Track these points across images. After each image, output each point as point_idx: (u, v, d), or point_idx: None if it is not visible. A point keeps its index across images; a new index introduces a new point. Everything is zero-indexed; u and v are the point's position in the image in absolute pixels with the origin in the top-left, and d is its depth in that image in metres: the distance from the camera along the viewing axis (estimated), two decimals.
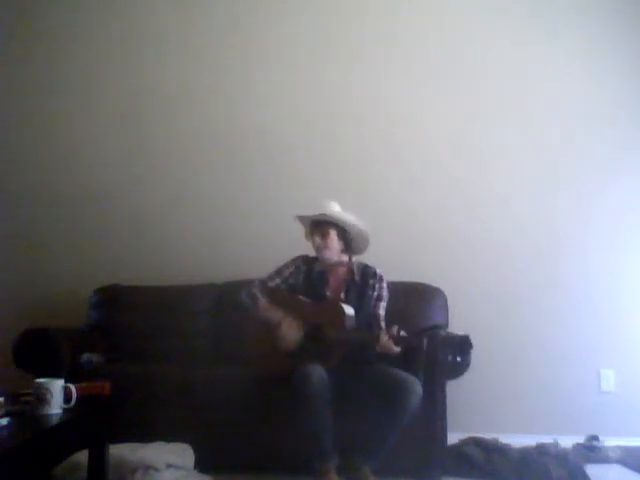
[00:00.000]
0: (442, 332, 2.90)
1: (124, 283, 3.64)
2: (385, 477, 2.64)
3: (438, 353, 2.75)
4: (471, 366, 2.87)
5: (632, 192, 3.67)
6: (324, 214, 2.89)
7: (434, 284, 3.41)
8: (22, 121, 3.97)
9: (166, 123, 3.91)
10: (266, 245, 3.68)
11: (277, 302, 2.88)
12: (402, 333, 2.60)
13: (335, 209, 2.93)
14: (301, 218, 2.98)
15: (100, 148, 3.92)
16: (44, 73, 3.98)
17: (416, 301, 3.32)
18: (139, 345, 3.39)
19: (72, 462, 2.39)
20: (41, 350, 3.00)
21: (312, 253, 2.98)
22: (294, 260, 3.00)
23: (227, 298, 3.50)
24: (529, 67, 3.76)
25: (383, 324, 2.87)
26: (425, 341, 2.57)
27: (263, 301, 2.88)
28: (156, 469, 2.48)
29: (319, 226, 2.90)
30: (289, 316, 2.82)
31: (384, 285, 2.94)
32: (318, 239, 2.89)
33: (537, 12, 3.78)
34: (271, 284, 2.94)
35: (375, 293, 2.93)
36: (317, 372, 2.57)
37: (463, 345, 2.50)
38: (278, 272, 2.97)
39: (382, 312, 2.91)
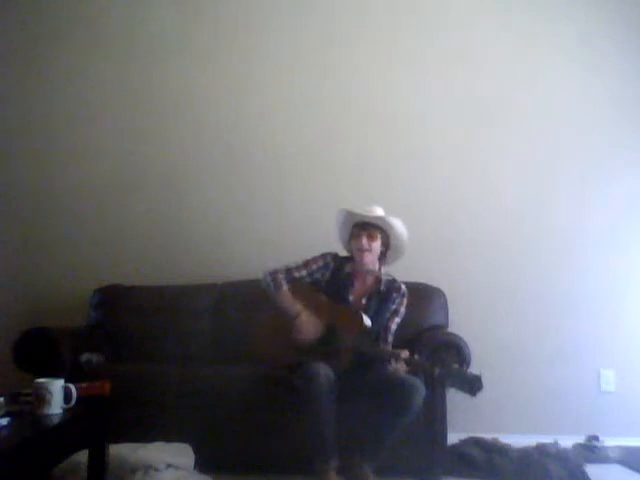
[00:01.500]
0: (455, 366, 2.66)
1: (124, 283, 3.64)
2: (385, 477, 2.65)
3: (447, 385, 2.69)
4: (471, 366, 2.88)
5: (632, 192, 3.67)
6: (382, 217, 2.85)
7: (434, 284, 3.41)
8: (22, 121, 3.97)
9: (166, 123, 3.90)
10: (266, 245, 3.68)
11: (299, 293, 2.86)
12: (416, 357, 2.61)
13: (381, 211, 2.90)
14: (349, 214, 2.91)
15: (100, 148, 3.91)
16: (44, 73, 3.98)
17: (416, 301, 3.30)
18: (139, 345, 3.39)
19: (72, 462, 2.38)
20: (41, 350, 3.00)
21: (340, 252, 2.98)
22: (324, 256, 2.96)
23: (227, 298, 3.51)
24: (529, 67, 3.76)
25: (391, 338, 2.86)
26: (437, 371, 2.51)
27: (285, 289, 2.86)
28: (156, 469, 2.48)
29: (367, 228, 2.86)
30: (308, 310, 2.80)
31: (404, 302, 2.93)
32: (365, 240, 2.84)
33: (537, 12, 3.78)
34: (296, 274, 2.92)
35: (394, 307, 2.91)
36: (325, 371, 2.57)
37: (474, 385, 2.39)
38: (305, 264, 2.94)
39: (394, 327, 2.90)
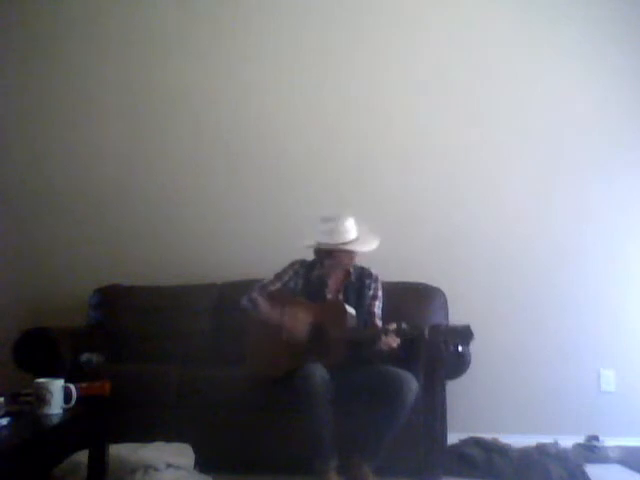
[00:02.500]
0: (442, 324, 2.90)
1: (124, 283, 3.64)
2: (385, 477, 2.65)
3: (440, 343, 2.75)
4: (471, 366, 2.89)
5: (632, 192, 3.67)
6: (362, 249, 2.84)
7: (434, 284, 3.41)
8: (22, 121, 3.97)
9: (166, 123, 3.90)
10: (266, 245, 3.68)
11: (277, 302, 2.88)
12: (403, 325, 2.64)
13: (351, 228, 2.86)
14: (323, 240, 2.87)
15: (100, 148, 3.91)
16: (44, 73, 3.98)
17: (416, 301, 3.32)
18: (139, 345, 3.39)
19: (72, 462, 2.39)
20: (41, 350, 3.00)
21: (308, 257, 2.99)
22: (292, 265, 3.01)
23: (227, 298, 3.51)
24: (528, 67, 3.76)
25: (379, 322, 2.89)
26: (427, 331, 2.60)
27: (264, 303, 2.88)
28: (156, 469, 2.48)
29: (348, 253, 2.87)
30: (291, 311, 2.82)
31: (379, 285, 2.98)
32: (348, 261, 2.90)
33: (537, 11, 3.78)
34: (271, 288, 2.95)
35: (371, 292, 2.96)
36: (319, 372, 2.59)
37: (465, 334, 2.52)
38: (278, 277, 2.98)
39: (377, 311, 2.94)
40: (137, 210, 3.87)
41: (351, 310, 2.82)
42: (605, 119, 3.71)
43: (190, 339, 3.43)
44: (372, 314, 2.92)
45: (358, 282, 2.97)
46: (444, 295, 3.40)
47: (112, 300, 3.56)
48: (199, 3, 3.95)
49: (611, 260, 3.63)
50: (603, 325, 3.58)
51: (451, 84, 3.77)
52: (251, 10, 3.91)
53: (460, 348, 2.69)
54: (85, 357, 3.10)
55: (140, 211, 3.87)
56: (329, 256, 2.89)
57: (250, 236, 3.76)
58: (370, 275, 2.98)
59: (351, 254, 2.88)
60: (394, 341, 2.61)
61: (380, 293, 2.97)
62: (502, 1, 3.83)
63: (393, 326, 2.64)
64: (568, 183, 3.70)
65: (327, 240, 2.85)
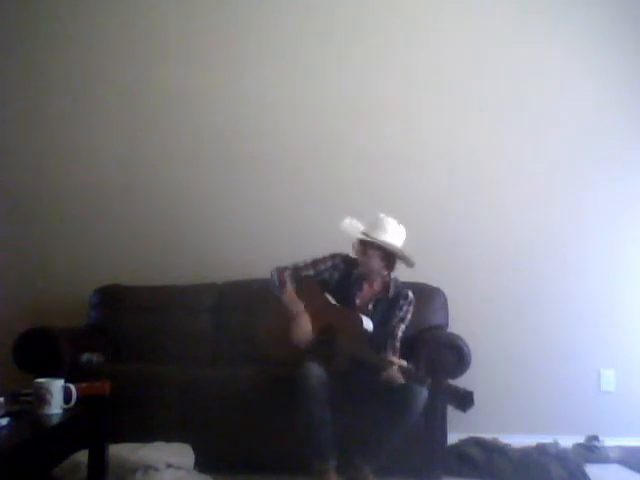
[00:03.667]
0: (448, 381, 2.68)
1: (124, 283, 3.64)
2: (385, 477, 2.65)
3: (438, 400, 2.71)
4: (471, 366, 2.89)
5: (632, 191, 3.67)
6: (372, 241, 2.80)
7: (434, 284, 3.41)
8: (22, 121, 3.96)
9: (166, 123, 3.90)
10: (266, 245, 3.67)
11: (304, 292, 2.86)
12: (410, 366, 2.62)
13: (389, 227, 2.83)
14: (354, 227, 2.88)
15: (100, 148, 3.91)
16: (44, 73, 3.97)
17: (416, 301, 3.31)
18: (139, 345, 3.39)
19: (72, 462, 2.39)
20: (41, 350, 3.00)
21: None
22: (333, 256, 2.95)
23: (227, 298, 3.51)
24: (528, 66, 3.75)
25: (398, 344, 2.85)
26: (429, 384, 2.55)
27: (290, 288, 2.86)
28: (156, 469, 2.48)
29: (362, 243, 2.85)
30: (307, 311, 2.80)
31: (411, 309, 2.92)
32: (363, 255, 2.85)
33: (538, 11, 3.77)
34: (304, 273, 2.92)
35: (400, 314, 2.90)
36: (316, 371, 2.58)
37: (465, 401, 2.43)
38: (313, 264, 2.93)
39: (400, 334, 2.88)
40: (137, 210, 3.87)
41: (368, 325, 2.78)
42: (605, 119, 3.71)
43: (190, 339, 3.43)
44: (395, 336, 2.86)
45: (393, 299, 2.90)
46: (444, 295, 3.40)
47: (112, 300, 3.56)
48: (199, 3, 3.95)
49: (611, 260, 3.63)
50: (603, 325, 3.58)
51: (451, 84, 3.77)
52: (251, 10, 3.90)
53: (456, 409, 2.59)
54: (85, 357, 3.10)
55: (140, 211, 3.87)
56: (363, 253, 2.83)
57: (250, 236, 3.76)
58: (406, 297, 2.91)
59: (374, 250, 2.80)
60: (398, 378, 2.58)
61: (409, 317, 2.90)
62: (504, 1, 3.83)
63: (402, 363, 2.61)
64: (568, 183, 3.70)
65: (365, 230, 2.82)
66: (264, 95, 3.86)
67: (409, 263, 2.87)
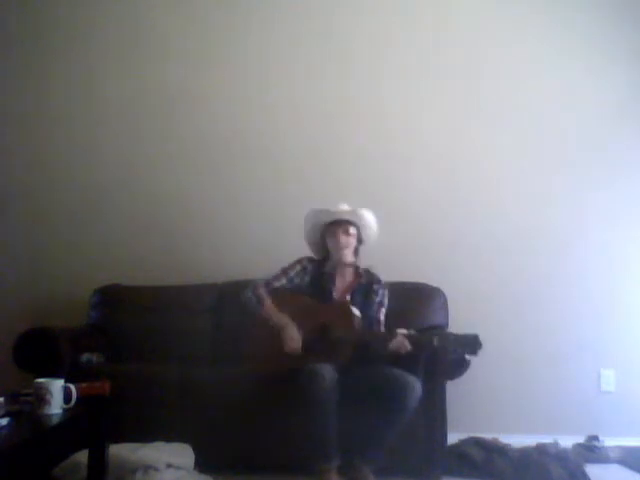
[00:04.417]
0: (450, 332, 2.88)
1: (124, 283, 3.64)
2: (385, 477, 2.65)
3: (448, 352, 2.75)
4: (471, 366, 2.89)
5: (632, 191, 3.67)
6: (353, 211, 2.92)
7: (434, 284, 3.41)
8: (22, 121, 3.96)
9: (166, 123, 3.90)
10: (266, 245, 3.68)
11: (282, 302, 2.87)
12: (412, 332, 2.65)
13: (346, 206, 2.95)
14: (320, 214, 2.96)
15: (100, 148, 3.91)
16: (44, 73, 3.97)
17: (416, 301, 3.32)
18: (139, 345, 3.39)
19: (72, 462, 2.39)
20: (41, 350, 2.99)
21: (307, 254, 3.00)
22: (299, 261, 2.99)
23: (227, 298, 3.51)
24: (527, 66, 3.76)
25: (383, 328, 2.88)
26: (436, 339, 2.60)
27: (269, 302, 2.86)
28: (156, 469, 2.48)
29: (342, 225, 2.90)
30: (293, 320, 2.79)
31: (386, 292, 2.97)
32: (343, 237, 2.90)
33: (539, 12, 3.78)
34: (277, 284, 2.93)
35: (378, 298, 2.94)
36: (327, 372, 2.57)
37: (473, 343, 2.53)
38: (284, 272, 2.96)
39: (382, 318, 2.93)
40: (137, 210, 3.87)
41: (357, 312, 2.82)
42: (605, 119, 3.71)
43: (190, 339, 3.42)
44: (378, 321, 2.90)
45: (367, 286, 2.95)
46: (444, 295, 3.40)
47: (112, 300, 3.56)
48: (199, 3, 3.95)
49: (611, 260, 3.63)
50: (603, 325, 3.58)
51: (451, 84, 3.77)
52: (251, 10, 3.91)
53: (468, 357, 2.68)
54: (85, 357, 3.10)
55: (140, 211, 3.86)
56: (345, 232, 2.90)
57: (250, 236, 3.76)
58: (379, 281, 2.97)
59: (347, 227, 2.89)
60: (405, 345, 2.62)
61: (386, 300, 2.96)
62: (504, 1, 3.83)
63: (403, 331, 2.65)
64: (568, 183, 3.70)
65: (333, 210, 2.90)
66: (264, 95, 3.86)
67: (371, 243, 2.97)
